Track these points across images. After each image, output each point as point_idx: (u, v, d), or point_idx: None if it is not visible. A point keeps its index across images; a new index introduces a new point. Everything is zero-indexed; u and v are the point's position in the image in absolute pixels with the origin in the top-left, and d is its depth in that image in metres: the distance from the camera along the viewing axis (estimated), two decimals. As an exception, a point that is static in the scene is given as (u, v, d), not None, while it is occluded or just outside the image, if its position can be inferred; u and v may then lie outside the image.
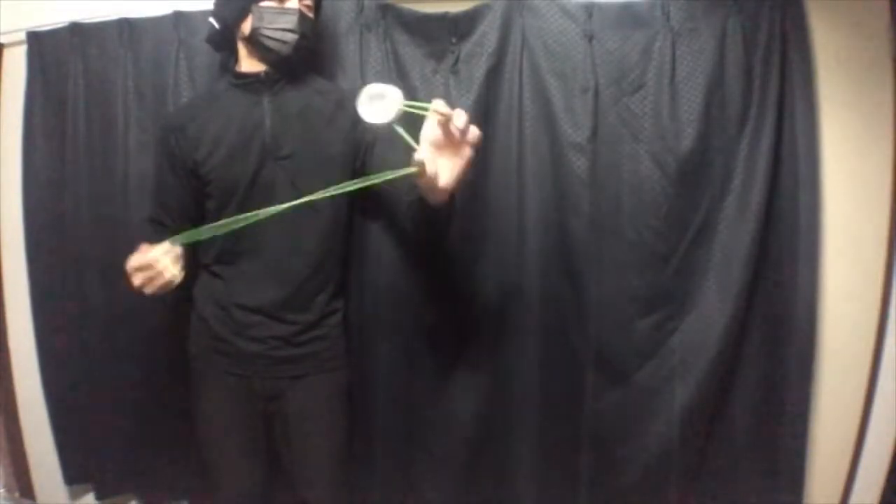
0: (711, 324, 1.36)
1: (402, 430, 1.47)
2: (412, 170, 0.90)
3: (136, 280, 1.04)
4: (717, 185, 1.36)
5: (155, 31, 1.48)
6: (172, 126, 1.24)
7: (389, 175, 0.91)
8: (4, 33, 1.62)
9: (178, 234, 1.04)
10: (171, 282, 1.05)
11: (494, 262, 1.41)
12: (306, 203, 0.98)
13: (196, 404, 1.29)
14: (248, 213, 0.98)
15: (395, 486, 1.49)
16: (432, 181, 0.91)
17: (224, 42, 1.26)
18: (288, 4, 1.17)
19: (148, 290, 1.05)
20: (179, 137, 1.21)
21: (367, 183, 0.94)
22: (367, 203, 1.32)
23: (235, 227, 0.99)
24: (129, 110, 1.49)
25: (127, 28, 1.49)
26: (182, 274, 1.06)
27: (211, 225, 1.02)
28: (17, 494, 1.78)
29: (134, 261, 1.05)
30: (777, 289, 1.37)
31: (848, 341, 1.42)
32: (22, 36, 1.57)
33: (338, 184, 1.20)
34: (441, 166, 0.92)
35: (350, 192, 1.22)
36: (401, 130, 0.91)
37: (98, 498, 1.69)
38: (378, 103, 0.91)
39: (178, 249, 1.05)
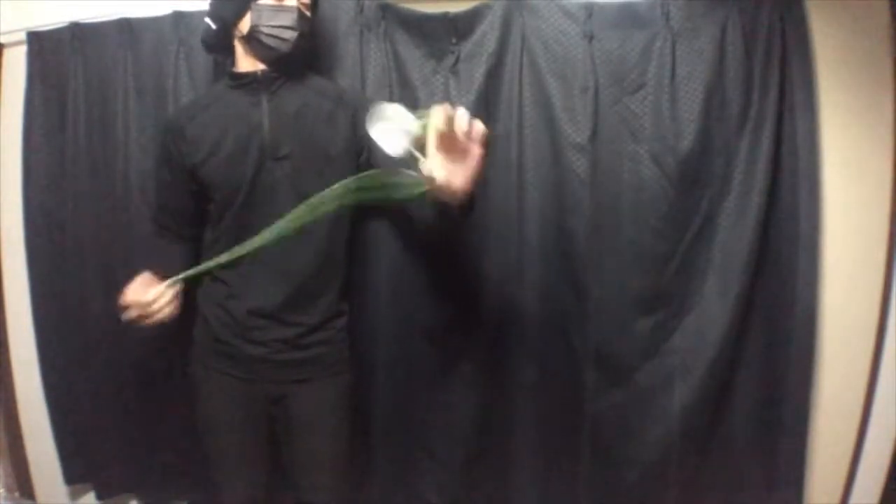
0: (711, 324, 1.36)
1: (402, 430, 1.47)
2: (421, 185, 0.90)
3: (130, 314, 1.07)
4: (717, 185, 1.36)
5: (155, 31, 1.48)
6: (172, 129, 1.23)
7: (402, 191, 0.94)
8: (4, 33, 1.62)
9: (181, 239, 1.05)
10: (163, 321, 1.07)
11: (494, 262, 1.41)
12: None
13: (199, 406, 1.28)
14: (247, 245, 1.07)
15: (395, 486, 1.49)
16: (446, 188, 0.90)
17: (219, 43, 1.25)
18: (286, 2, 1.17)
19: (140, 325, 1.09)
20: (179, 140, 1.21)
21: (378, 199, 0.98)
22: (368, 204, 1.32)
23: (232, 257, 1.06)
24: (129, 110, 1.49)
25: (127, 28, 1.49)
26: (177, 311, 1.10)
27: (208, 264, 1.09)
28: (17, 494, 1.78)
29: (131, 295, 1.08)
30: (777, 289, 1.37)
31: (848, 341, 1.42)
32: (22, 36, 1.57)
33: (336, 181, 1.21)
34: (453, 170, 0.89)
35: (351, 194, 1.25)
36: (413, 152, 0.90)
37: (98, 498, 1.69)
38: (387, 126, 0.91)
39: (177, 288, 1.06)
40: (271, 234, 1.06)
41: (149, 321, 1.08)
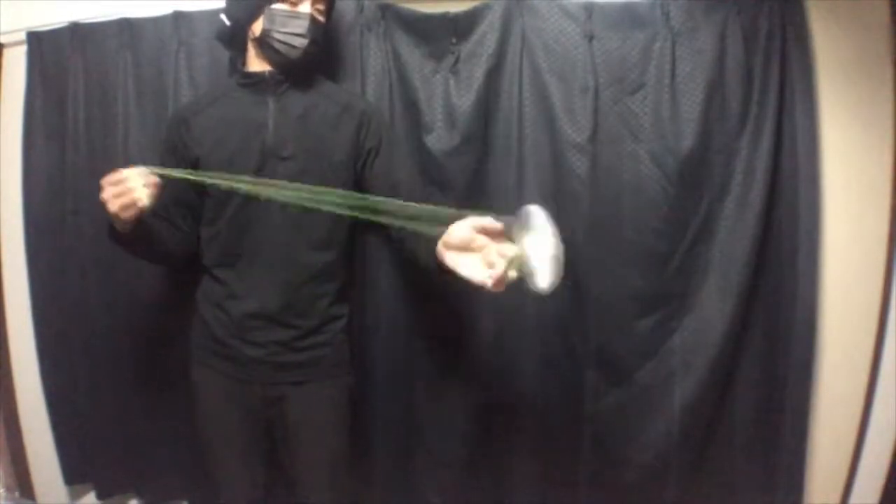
0: (711, 324, 1.36)
1: (402, 430, 1.47)
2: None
3: (105, 193, 1.01)
4: (717, 185, 1.36)
5: (155, 31, 1.48)
6: (179, 119, 1.24)
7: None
8: (4, 33, 1.61)
9: (176, 227, 1.05)
10: (135, 203, 1.01)
11: (494, 262, 1.41)
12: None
13: (198, 407, 1.28)
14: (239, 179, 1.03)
15: (395, 486, 1.49)
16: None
17: (233, 40, 1.26)
18: (300, 8, 1.17)
19: (112, 207, 1.01)
20: (184, 131, 1.22)
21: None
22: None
23: (220, 183, 1.03)
24: (129, 110, 1.49)
25: (127, 28, 1.49)
26: (150, 201, 1.02)
27: (190, 172, 1.06)
28: (17, 494, 1.78)
29: (109, 176, 1.02)
30: (777, 289, 1.37)
31: (848, 341, 1.42)
32: (22, 36, 1.57)
33: (338, 187, 1.20)
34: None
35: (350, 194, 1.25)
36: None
37: (98, 498, 1.69)
38: (538, 244, 0.92)
39: (154, 178, 1.03)
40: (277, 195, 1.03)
41: (121, 200, 1.00)
